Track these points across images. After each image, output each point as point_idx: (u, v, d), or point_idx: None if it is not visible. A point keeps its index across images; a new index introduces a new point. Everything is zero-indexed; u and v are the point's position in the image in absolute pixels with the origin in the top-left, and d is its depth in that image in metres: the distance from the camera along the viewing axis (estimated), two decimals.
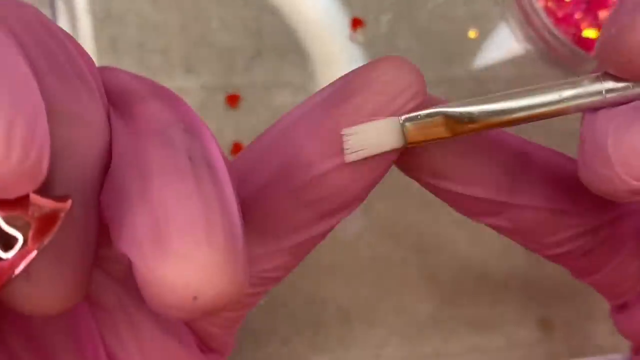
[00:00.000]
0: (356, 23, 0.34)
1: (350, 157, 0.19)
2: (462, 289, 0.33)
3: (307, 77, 0.33)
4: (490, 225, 0.20)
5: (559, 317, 0.34)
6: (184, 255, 0.13)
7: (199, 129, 0.16)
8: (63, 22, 0.32)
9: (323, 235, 0.20)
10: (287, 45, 0.33)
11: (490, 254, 0.34)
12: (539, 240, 0.20)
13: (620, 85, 0.18)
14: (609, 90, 0.18)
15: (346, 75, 0.18)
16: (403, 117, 0.19)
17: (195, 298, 0.13)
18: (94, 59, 0.34)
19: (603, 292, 0.22)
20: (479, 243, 0.34)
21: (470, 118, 0.20)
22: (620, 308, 0.22)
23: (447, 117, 0.20)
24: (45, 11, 0.33)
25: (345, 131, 0.19)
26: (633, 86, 0.18)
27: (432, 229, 0.33)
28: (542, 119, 0.19)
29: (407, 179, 0.26)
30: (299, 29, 0.33)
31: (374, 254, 0.33)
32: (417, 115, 0.20)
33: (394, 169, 0.21)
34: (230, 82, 0.33)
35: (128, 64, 0.33)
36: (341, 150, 0.18)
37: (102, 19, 0.33)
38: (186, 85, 0.33)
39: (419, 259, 0.33)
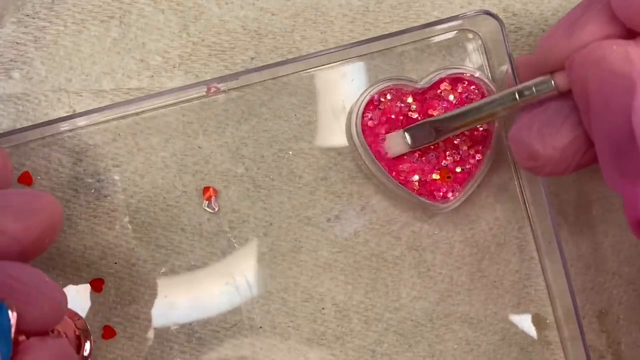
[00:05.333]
0: None
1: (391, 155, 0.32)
2: (457, 287, 0.34)
3: (306, 77, 0.33)
4: None
5: (552, 315, 0.34)
6: None
7: None
8: (68, 24, 0.33)
9: None
10: (285, 46, 0.33)
11: (485, 252, 0.34)
12: None
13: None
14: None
15: None
16: (404, 130, 0.32)
17: None
18: (98, 60, 0.34)
19: None
20: (473, 241, 0.34)
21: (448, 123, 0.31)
22: None
23: (431, 124, 0.32)
24: (47, 12, 0.33)
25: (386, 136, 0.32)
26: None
27: (427, 228, 0.34)
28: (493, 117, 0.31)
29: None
30: (297, 30, 0.34)
31: (371, 252, 0.34)
32: (412, 128, 0.32)
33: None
34: (230, 82, 0.33)
35: (130, 64, 0.33)
36: None
37: (105, 20, 0.33)
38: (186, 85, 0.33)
39: (415, 257, 0.34)
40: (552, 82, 0.28)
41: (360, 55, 0.33)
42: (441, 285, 0.34)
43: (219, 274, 0.33)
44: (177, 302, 0.33)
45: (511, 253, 0.34)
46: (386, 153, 0.32)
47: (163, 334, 0.33)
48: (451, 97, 0.33)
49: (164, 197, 0.33)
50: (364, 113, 0.32)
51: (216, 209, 0.33)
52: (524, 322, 0.34)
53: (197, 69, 0.33)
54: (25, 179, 0.32)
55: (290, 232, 0.33)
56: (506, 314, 0.34)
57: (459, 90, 0.33)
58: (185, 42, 0.33)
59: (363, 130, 0.32)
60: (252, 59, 0.33)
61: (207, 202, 0.33)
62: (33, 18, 0.33)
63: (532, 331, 0.34)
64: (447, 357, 0.34)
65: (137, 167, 0.33)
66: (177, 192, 0.33)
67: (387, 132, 0.32)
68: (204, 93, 0.33)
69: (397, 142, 0.32)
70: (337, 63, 0.33)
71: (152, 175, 0.33)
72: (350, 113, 0.33)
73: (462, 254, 0.34)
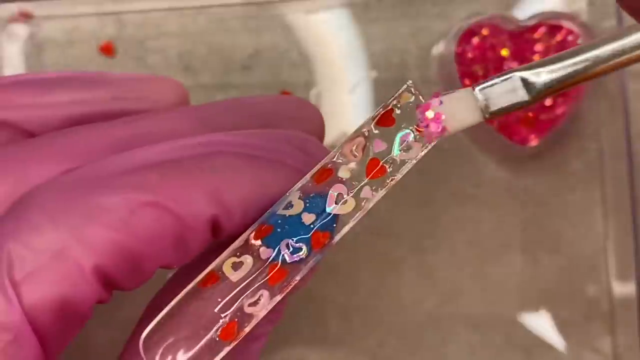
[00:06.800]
0: None
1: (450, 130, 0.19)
2: (460, 289, 0.34)
3: (306, 76, 0.33)
4: None
5: (557, 316, 0.34)
6: None
7: None
8: (65, 22, 0.33)
9: None
10: (286, 44, 0.33)
11: (488, 253, 0.34)
12: None
13: None
14: None
15: None
16: (477, 87, 0.19)
17: None
18: (95, 57, 0.34)
19: None
20: (477, 242, 0.34)
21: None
22: None
23: (524, 80, 0.19)
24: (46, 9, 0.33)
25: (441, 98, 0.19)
26: None
27: (430, 229, 0.33)
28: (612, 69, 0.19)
29: (405, 178, 0.25)
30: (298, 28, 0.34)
31: (372, 253, 0.33)
32: (493, 83, 0.19)
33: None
34: (229, 80, 0.33)
35: (128, 62, 0.33)
36: None
37: (103, 17, 0.33)
38: (184, 84, 0.33)
39: (417, 259, 0.33)
40: None
41: None
42: (443, 287, 0.34)
43: None
44: None
45: (515, 254, 0.34)
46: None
47: None
48: (547, 44, 0.32)
49: None
50: (459, 42, 0.32)
51: None
52: (529, 324, 0.34)
53: (195, 67, 0.33)
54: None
55: None
56: (510, 316, 0.34)
57: (557, 39, 0.32)
58: (184, 40, 0.33)
59: (455, 59, 0.32)
60: (251, 57, 0.33)
61: None
62: None
63: (536, 333, 0.34)
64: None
65: None
66: None
67: (479, 66, 0.32)
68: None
69: (462, 109, 0.22)
70: None
71: None
72: (445, 41, 0.33)
73: (464, 256, 0.34)
